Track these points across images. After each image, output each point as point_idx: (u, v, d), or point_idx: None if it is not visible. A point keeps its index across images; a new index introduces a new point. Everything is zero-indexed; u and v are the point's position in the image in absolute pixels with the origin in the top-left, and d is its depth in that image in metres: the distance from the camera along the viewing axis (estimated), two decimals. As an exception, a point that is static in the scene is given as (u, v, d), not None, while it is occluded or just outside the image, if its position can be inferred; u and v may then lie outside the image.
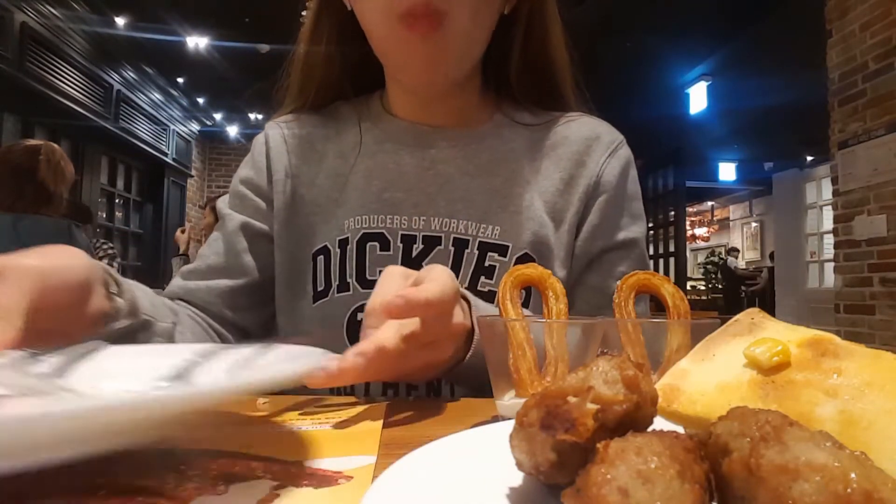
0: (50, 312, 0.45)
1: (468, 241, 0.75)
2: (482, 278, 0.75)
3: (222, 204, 0.85)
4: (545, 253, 0.77)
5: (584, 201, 0.79)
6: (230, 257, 0.80)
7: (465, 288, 0.75)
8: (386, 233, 0.76)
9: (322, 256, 0.77)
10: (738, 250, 12.62)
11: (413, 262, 0.75)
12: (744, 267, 11.56)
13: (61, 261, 0.48)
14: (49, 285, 0.44)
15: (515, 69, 0.81)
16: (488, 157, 0.80)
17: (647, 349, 0.46)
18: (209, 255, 0.81)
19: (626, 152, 0.83)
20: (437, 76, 0.73)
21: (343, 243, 0.76)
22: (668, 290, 0.50)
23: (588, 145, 0.81)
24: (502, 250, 0.75)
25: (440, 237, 0.76)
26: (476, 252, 0.75)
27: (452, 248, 0.75)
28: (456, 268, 0.75)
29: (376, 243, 0.76)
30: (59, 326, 0.48)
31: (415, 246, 0.75)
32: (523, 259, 0.75)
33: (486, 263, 0.75)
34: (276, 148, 0.83)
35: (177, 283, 0.80)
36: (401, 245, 0.75)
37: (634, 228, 0.81)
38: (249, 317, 0.81)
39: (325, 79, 0.83)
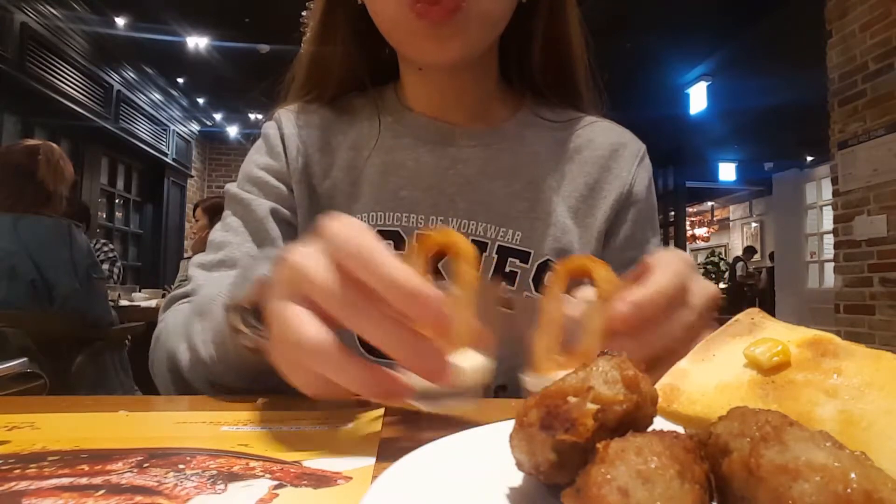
0: None
1: (487, 244, 0.74)
2: (502, 284, 0.73)
3: (235, 189, 0.79)
4: None
5: (615, 209, 0.78)
6: (266, 244, 0.74)
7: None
8: (401, 231, 0.74)
9: None
10: (755, 250, 12.34)
11: (429, 263, 0.74)
12: (742, 273, 11.44)
13: None
14: None
15: (537, 59, 0.80)
16: (510, 160, 0.78)
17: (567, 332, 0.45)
18: (241, 242, 0.73)
19: (649, 162, 0.84)
20: (449, 57, 0.70)
21: None
22: (601, 274, 0.48)
23: (614, 151, 0.81)
24: (523, 256, 0.74)
25: None
26: (495, 256, 0.74)
27: None
28: None
29: (391, 242, 0.73)
30: None
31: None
32: (545, 266, 0.74)
33: (507, 269, 0.74)
34: (291, 136, 0.80)
35: (199, 275, 0.71)
36: (416, 245, 0.74)
37: (656, 241, 0.82)
38: None
39: (339, 71, 0.80)
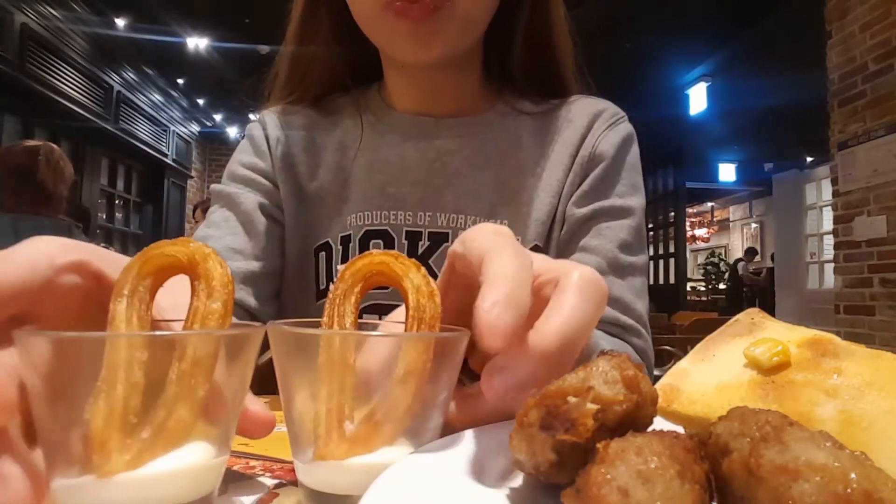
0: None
1: None
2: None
3: (221, 186, 0.79)
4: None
5: (578, 173, 0.76)
6: (252, 238, 0.73)
7: None
8: (390, 230, 0.74)
9: (323, 253, 0.76)
10: (756, 251, 12.29)
11: (419, 260, 0.73)
12: (750, 271, 11.41)
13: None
14: None
15: (518, 55, 0.78)
16: (495, 147, 0.78)
17: (368, 373, 0.31)
18: (222, 235, 0.73)
19: (626, 126, 0.80)
20: (430, 57, 0.69)
21: (345, 240, 0.74)
22: (413, 282, 0.33)
23: (591, 121, 0.79)
24: None
25: (447, 234, 0.73)
26: None
27: None
28: None
29: (380, 241, 0.73)
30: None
31: (420, 243, 0.73)
32: (534, 251, 0.72)
33: None
34: (275, 136, 0.80)
35: None
36: (406, 242, 0.73)
37: (632, 199, 0.76)
38: (268, 309, 0.75)
39: (322, 71, 0.80)
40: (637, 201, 0.77)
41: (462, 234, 0.39)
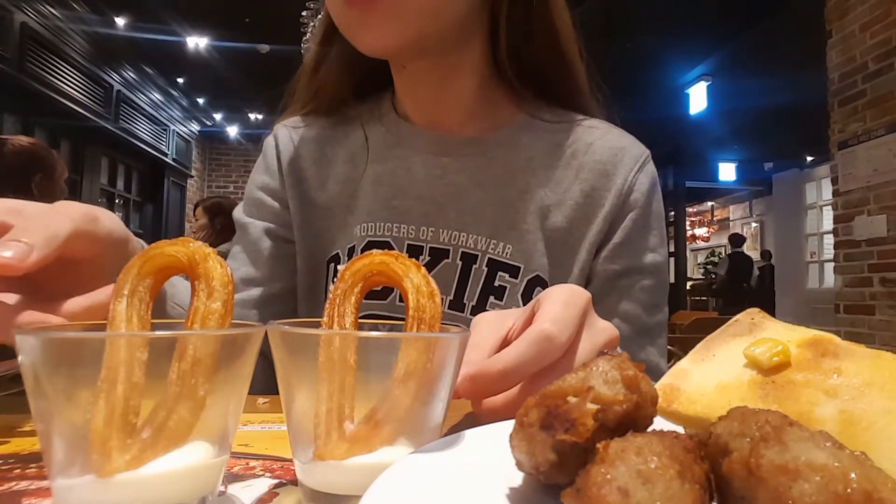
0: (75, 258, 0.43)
1: (477, 256, 0.73)
2: (491, 298, 0.73)
3: (239, 213, 0.83)
4: (560, 275, 0.74)
5: (609, 220, 0.74)
6: (259, 266, 0.78)
7: (473, 306, 0.72)
8: (392, 242, 0.74)
9: (334, 264, 0.77)
10: (744, 238, 12.22)
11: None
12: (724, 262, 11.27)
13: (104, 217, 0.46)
14: (86, 231, 0.43)
15: (506, 41, 0.73)
16: (503, 168, 0.76)
17: (367, 373, 0.31)
18: (237, 268, 0.78)
19: (653, 168, 0.79)
20: (386, 46, 0.66)
21: (351, 251, 0.75)
22: (413, 282, 0.34)
23: (613, 156, 0.77)
24: (513, 271, 0.73)
25: (448, 250, 0.73)
26: (485, 269, 0.73)
27: (460, 263, 0.73)
28: (463, 283, 0.73)
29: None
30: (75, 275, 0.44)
31: (421, 257, 0.73)
32: (535, 282, 0.73)
33: (496, 283, 0.73)
34: (286, 150, 0.81)
35: None
36: (407, 255, 0.73)
37: (662, 251, 0.77)
38: None
39: (337, 82, 0.80)
40: (664, 253, 0.78)
41: (549, 288, 0.48)
